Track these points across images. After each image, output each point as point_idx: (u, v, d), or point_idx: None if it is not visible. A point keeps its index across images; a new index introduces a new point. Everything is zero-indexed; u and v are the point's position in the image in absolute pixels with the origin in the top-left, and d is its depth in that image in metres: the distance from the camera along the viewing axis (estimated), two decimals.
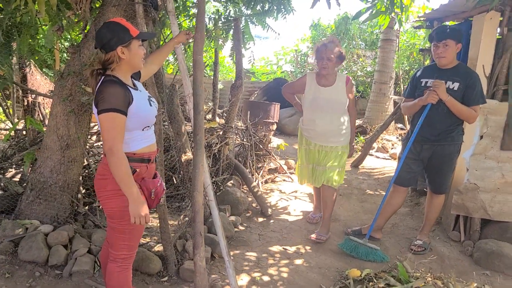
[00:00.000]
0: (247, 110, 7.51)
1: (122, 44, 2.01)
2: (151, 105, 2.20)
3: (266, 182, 5.43)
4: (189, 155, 3.75)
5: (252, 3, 5.26)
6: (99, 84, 2.03)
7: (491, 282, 3.23)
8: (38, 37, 3.01)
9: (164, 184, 2.39)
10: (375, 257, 3.42)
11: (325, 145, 3.68)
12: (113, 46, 2.00)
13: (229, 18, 5.35)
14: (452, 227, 3.99)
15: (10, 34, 3.01)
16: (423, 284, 2.57)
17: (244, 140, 5.65)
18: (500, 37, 3.83)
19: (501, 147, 3.69)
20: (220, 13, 5.48)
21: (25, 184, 3.61)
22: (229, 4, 5.61)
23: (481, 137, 3.72)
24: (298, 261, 3.39)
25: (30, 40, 3.07)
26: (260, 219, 4.23)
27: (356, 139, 7.82)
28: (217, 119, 7.11)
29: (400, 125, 8.74)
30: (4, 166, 4.07)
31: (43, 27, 3.17)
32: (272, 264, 3.33)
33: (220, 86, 9.78)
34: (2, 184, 3.69)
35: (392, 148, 7.51)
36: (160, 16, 3.32)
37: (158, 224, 3.05)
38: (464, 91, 3.26)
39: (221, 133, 4.98)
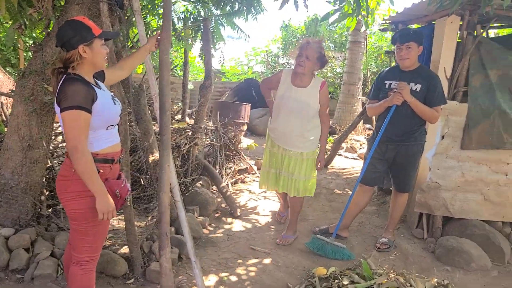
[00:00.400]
0: (217, 111, 7.50)
1: (84, 42, 1.98)
2: (115, 103, 2.18)
3: (235, 182, 5.43)
4: (156, 155, 3.72)
5: (222, 4, 5.26)
6: (60, 82, 1.99)
7: (451, 278, 3.33)
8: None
9: (129, 184, 2.37)
10: (341, 256, 3.48)
11: (289, 149, 3.55)
12: (74, 44, 1.97)
13: (198, 18, 5.34)
14: (416, 225, 4.11)
15: None
16: (385, 280, 2.63)
17: (214, 140, 5.64)
18: (460, 40, 3.96)
19: (461, 146, 3.82)
20: (189, 13, 5.46)
21: None
22: (198, 4, 5.60)
23: (443, 137, 3.84)
24: (266, 261, 3.42)
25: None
26: (229, 220, 4.24)
27: None
28: (187, 119, 7.09)
29: (368, 126, 8.91)
30: None
31: (5, 25, 3.09)
32: (240, 264, 3.34)
33: (190, 86, 9.71)
34: None
35: (360, 148, 7.66)
36: (127, 15, 3.28)
37: (124, 226, 3.01)
38: (426, 93, 3.37)
39: (190, 133, 4.95)
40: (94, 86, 2.04)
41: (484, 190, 3.88)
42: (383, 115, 3.54)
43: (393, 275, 2.73)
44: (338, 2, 4.91)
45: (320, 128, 3.58)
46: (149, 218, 3.90)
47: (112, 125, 2.17)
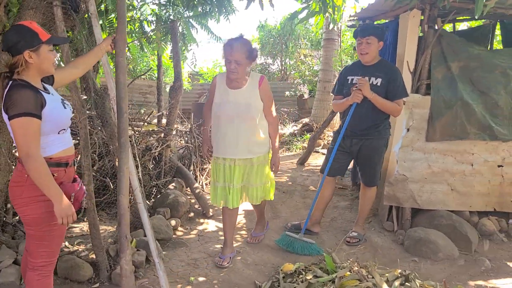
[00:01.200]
0: (195, 112, 7.48)
1: (30, 48, 1.96)
2: (65, 107, 2.17)
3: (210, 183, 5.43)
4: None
5: (192, 5, 5.26)
6: (7, 88, 1.97)
7: (418, 268, 3.39)
8: None
9: (85, 188, 2.35)
10: (310, 251, 3.50)
11: (238, 158, 3.17)
12: (20, 49, 1.95)
13: (168, 20, 5.33)
14: (386, 218, 4.15)
15: None
16: (348, 273, 2.66)
17: (189, 142, 5.63)
18: (422, 34, 4.02)
19: (426, 138, 3.88)
20: (158, 16, 5.44)
21: None
22: (168, 6, 5.58)
23: (408, 130, 3.89)
24: (236, 259, 3.42)
25: None
26: (201, 220, 4.24)
27: (301, 137, 7.97)
28: (163, 122, 7.06)
29: None
30: None
31: None
32: (210, 264, 3.34)
33: (167, 89, 9.68)
34: None
35: None
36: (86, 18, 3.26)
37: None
38: (387, 86, 3.42)
39: (162, 135, 4.94)
40: (42, 91, 2.02)
41: (450, 181, 3.94)
42: (347, 110, 3.58)
43: (356, 268, 2.76)
44: (305, 0, 4.96)
45: (267, 129, 3.27)
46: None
47: (64, 129, 2.16)
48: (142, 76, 10.57)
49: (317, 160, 6.98)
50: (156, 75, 10.84)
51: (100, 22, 4.31)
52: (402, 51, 4.12)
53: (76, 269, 2.89)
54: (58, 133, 2.11)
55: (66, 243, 3.41)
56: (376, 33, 3.41)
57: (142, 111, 9.06)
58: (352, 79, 3.57)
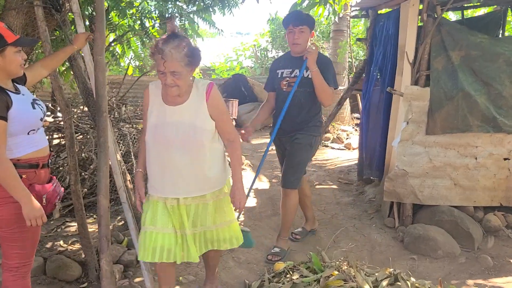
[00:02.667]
0: None
1: None
2: (34, 108, 2.15)
3: None
4: (117, 156, 3.70)
5: (192, 0, 5.22)
6: None
7: (416, 266, 3.28)
8: None
9: (61, 189, 2.34)
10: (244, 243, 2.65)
11: (191, 197, 2.31)
12: None
13: (168, 16, 5.30)
14: (388, 214, 4.04)
15: None
16: (336, 273, 2.58)
17: None
18: (422, 24, 3.87)
19: (426, 131, 3.74)
20: (160, 12, 5.41)
21: None
22: (170, 2, 5.55)
23: (407, 123, 3.76)
24: (228, 258, 3.38)
25: None
26: None
27: None
28: None
29: (356, 115, 8.80)
30: None
31: None
32: (200, 262, 3.29)
33: None
34: None
35: (347, 138, 7.57)
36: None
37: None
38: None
39: None
40: (9, 92, 2.01)
41: (453, 175, 3.80)
42: (279, 106, 3.30)
43: (345, 267, 2.68)
44: None
45: (223, 154, 2.42)
46: (116, 220, 3.90)
47: (34, 130, 2.14)
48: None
49: (325, 154, 6.87)
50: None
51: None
52: (403, 41, 4.00)
53: (64, 269, 2.90)
54: (28, 133, 2.10)
55: (61, 242, 3.44)
56: (309, 22, 3.18)
57: None
58: (282, 72, 3.30)
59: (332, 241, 3.68)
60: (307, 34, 3.18)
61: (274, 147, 3.67)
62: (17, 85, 2.14)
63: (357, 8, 5.13)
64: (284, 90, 3.27)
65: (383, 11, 4.94)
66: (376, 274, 2.61)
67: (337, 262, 2.76)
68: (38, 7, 2.71)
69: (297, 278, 2.62)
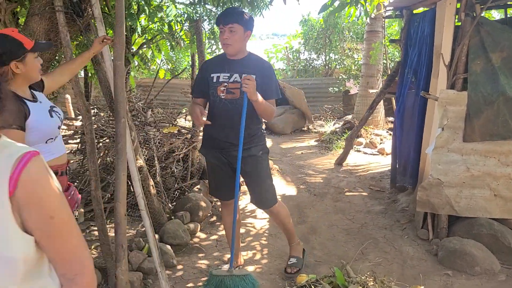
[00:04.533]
0: None
1: (16, 59, 1.92)
2: (52, 116, 2.12)
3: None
4: (140, 161, 3.67)
5: (222, 3, 5.18)
6: None
7: (451, 283, 3.06)
8: None
9: (79, 196, 2.31)
10: (244, 287, 2.85)
11: None
12: (6, 61, 1.91)
13: (196, 19, 5.27)
14: (421, 225, 3.82)
15: None
16: None
17: None
18: (460, 24, 3.63)
19: (464, 138, 3.49)
20: (188, 15, 5.40)
21: None
22: (198, 6, 5.53)
23: (442, 129, 3.53)
24: (250, 268, 3.27)
25: None
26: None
27: (342, 136, 7.65)
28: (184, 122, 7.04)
29: (391, 119, 8.49)
30: None
31: None
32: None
33: None
34: None
35: (380, 143, 7.30)
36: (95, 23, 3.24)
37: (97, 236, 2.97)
38: (260, 85, 2.72)
39: (189, 137, 4.89)
40: (27, 101, 2.00)
41: (493, 185, 3.53)
42: (218, 115, 2.84)
43: (372, 283, 2.52)
44: None
45: None
46: (140, 226, 3.87)
47: (52, 138, 2.12)
48: (184, 76, 10.67)
49: (357, 160, 6.65)
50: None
51: (130, 24, 4.35)
52: (439, 42, 3.77)
53: None
54: (46, 142, 2.08)
55: None
56: (241, 20, 2.70)
57: (184, 110, 9.18)
58: (218, 77, 2.80)
59: (360, 252, 3.51)
60: (240, 34, 2.70)
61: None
62: (34, 92, 2.13)
63: (391, 8, 4.92)
64: (222, 97, 2.77)
65: (418, 10, 4.71)
66: None
67: (363, 278, 2.60)
68: (59, 13, 2.71)
69: None
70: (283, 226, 3.19)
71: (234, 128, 2.74)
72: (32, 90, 2.13)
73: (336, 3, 4.86)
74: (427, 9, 4.46)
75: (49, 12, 2.86)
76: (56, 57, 3.39)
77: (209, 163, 3.05)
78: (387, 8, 5.09)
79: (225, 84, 2.77)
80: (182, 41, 5.53)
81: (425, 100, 4.07)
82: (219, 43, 5.84)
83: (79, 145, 4.78)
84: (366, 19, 4.71)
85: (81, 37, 3.37)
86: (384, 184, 5.36)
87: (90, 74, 5.72)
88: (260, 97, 2.67)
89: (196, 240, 3.74)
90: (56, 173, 2.11)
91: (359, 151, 7.16)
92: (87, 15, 3.00)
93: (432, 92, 3.79)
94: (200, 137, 5.18)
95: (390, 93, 5.30)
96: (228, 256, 3.41)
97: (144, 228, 3.78)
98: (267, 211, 3.11)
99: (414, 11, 4.79)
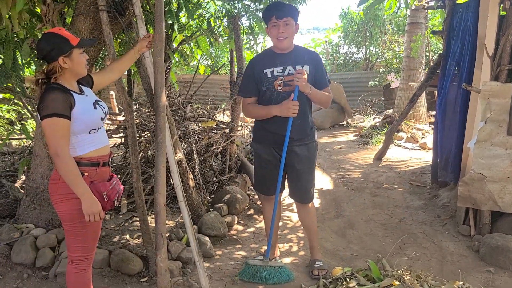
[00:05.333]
0: None
1: (63, 54, 2.06)
2: (96, 108, 2.24)
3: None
4: (179, 155, 3.78)
5: None
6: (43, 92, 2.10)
7: (492, 280, 2.97)
8: (16, 51, 3.16)
9: (121, 187, 2.42)
10: (279, 279, 2.93)
11: None
12: (54, 57, 2.05)
13: (234, 15, 5.33)
14: (463, 221, 3.72)
15: None
16: (396, 283, 2.41)
17: None
18: (505, 13, 3.50)
19: (508, 132, 3.37)
20: (227, 11, 5.47)
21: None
22: (235, 2, 5.59)
23: (485, 122, 3.42)
24: (287, 259, 3.31)
25: (18, 53, 3.23)
26: (261, 218, 4.17)
27: (382, 130, 7.52)
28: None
29: (433, 112, 8.24)
30: (14, 173, 4.34)
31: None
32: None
33: None
34: (7, 190, 3.93)
35: (422, 138, 7.12)
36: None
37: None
38: (314, 74, 2.83)
39: (226, 131, 4.97)
40: (73, 93, 2.12)
41: None
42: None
43: (408, 277, 2.49)
44: None
45: None
46: (180, 217, 4.00)
47: (95, 129, 2.23)
48: (223, 71, 10.80)
49: (397, 154, 6.53)
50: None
51: (170, 22, 4.47)
52: (483, 33, 3.65)
53: (126, 263, 3.01)
54: (89, 132, 2.19)
55: (127, 236, 3.58)
56: (294, 14, 2.75)
57: (223, 106, 9.30)
58: (272, 72, 2.80)
59: (398, 247, 3.47)
60: (293, 27, 2.76)
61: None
62: (82, 87, 2.27)
63: None
64: (279, 90, 2.80)
65: (461, 0, 4.56)
66: (443, 287, 2.40)
67: (399, 272, 2.58)
68: (103, 12, 2.83)
69: (354, 286, 2.49)
70: (311, 224, 3.15)
71: (293, 123, 2.78)
72: (80, 85, 2.27)
73: None
74: None
75: (93, 12, 3.00)
76: (100, 55, 3.54)
77: (260, 157, 3.05)
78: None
79: (281, 77, 2.79)
80: (220, 37, 5.60)
81: (467, 93, 3.95)
82: (257, 38, 5.93)
83: (122, 140, 4.97)
84: (407, 10, 4.58)
85: (123, 35, 3.50)
86: (425, 179, 5.24)
87: (133, 72, 5.92)
88: (313, 89, 2.73)
89: (233, 232, 3.82)
90: (98, 164, 2.23)
91: (399, 145, 7.03)
92: (128, 13, 3.11)
93: (476, 85, 3.67)
94: (239, 132, 5.30)
95: (431, 86, 5.16)
96: (265, 247, 3.46)
97: (183, 220, 3.93)
98: (303, 205, 3.11)
99: (457, 1, 4.64)
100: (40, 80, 2.14)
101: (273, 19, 2.73)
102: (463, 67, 4.13)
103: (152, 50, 2.75)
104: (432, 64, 7.32)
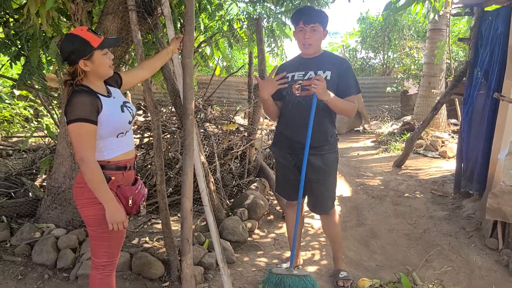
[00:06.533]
0: None
1: (83, 57, 1.98)
2: (123, 111, 2.18)
3: None
4: (201, 158, 3.73)
5: (282, 1, 5.18)
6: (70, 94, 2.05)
7: None
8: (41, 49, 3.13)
9: (145, 190, 2.37)
10: (304, 286, 2.82)
11: None
12: (75, 59, 1.98)
13: (256, 17, 5.29)
14: (490, 234, 3.62)
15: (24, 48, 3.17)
16: None
17: None
18: None
19: None
20: (248, 13, 5.43)
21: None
22: (257, 4, 5.54)
23: None
24: (311, 268, 3.23)
25: (41, 51, 3.21)
26: (281, 223, 4.11)
27: (401, 137, 7.41)
28: (262, 120, 7.01)
29: (453, 120, 8.12)
30: (34, 172, 4.32)
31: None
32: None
33: None
34: (27, 188, 3.91)
35: (442, 146, 7.00)
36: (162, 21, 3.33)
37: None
38: (337, 81, 2.69)
39: (246, 134, 4.91)
40: (100, 96, 2.05)
41: None
42: (293, 114, 2.79)
43: None
44: None
45: None
46: (199, 221, 3.95)
47: (122, 133, 2.17)
48: (239, 74, 10.76)
49: (417, 162, 6.42)
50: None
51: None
52: None
53: (148, 267, 2.96)
54: (117, 136, 2.13)
55: (147, 239, 3.54)
56: (322, 20, 2.66)
57: (238, 108, 9.26)
58: (293, 76, 2.75)
59: (425, 260, 3.38)
60: (320, 33, 2.67)
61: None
62: (109, 87, 2.19)
63: (460, 5, 4.68)
64: (297, 94, 2.72)
65: (490, 7, 4.46)
66: None
67: (430, 286, 2.50)
68: (132, 11, 2.79)
69: None
70: (334, 234, 3.01)
71: (307, 127, 2.66)
72: (108, 86, 2.20)
73: (402, 1, 4.69)
74: (501, 6, 4.21)
75: (121, 11, 2.97)
76: (127, 55, 3.51)
77: (277, 161, 3.01)
78: (456, 5, 4.84)
79: (300, 81, 2.71)
80: (241, 40, 5.56)
81: (496, 103, 3.85)
82: (278, 41, 5.88)
83: (140, 140, 4.94)
84: (434, 16, 4.49)
85: (150, 35, 3.47)
86: (446, 189, 5.13)
87: None
88: (332, 96, 2.56)
89: (254, 237, 3.75)
90: (124, 168, 2.16)
91: (419, 153, 6.92)
92: (156, 13, 3.07)
93: (505, 94, 3.58)
94: (258, 135, 5.24)
95: (456, 94, 5.06)
96: (287, 255, 3.40)
97: (204, 223, 3.88)
98: (323, 216, 2.99)
99: (486, 8, 4.54)
100: (67, 81, 2.09)
101: (301, 24, 2.65)
102: (492, 76, 4.03)
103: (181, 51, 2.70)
104: (453, 71, 7.21)
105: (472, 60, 4.55)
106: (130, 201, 2.15)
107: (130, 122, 2.21)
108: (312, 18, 2.62)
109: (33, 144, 6.39)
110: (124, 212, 2.06)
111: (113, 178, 2.09)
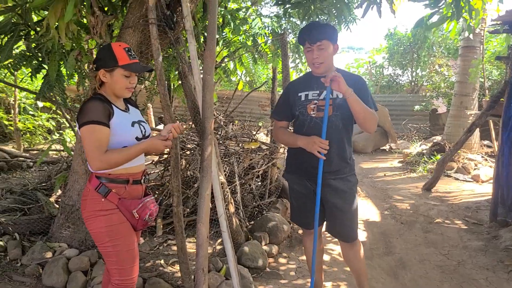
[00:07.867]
0: None
1: (105, 67, 2.02)
2: (133, 126, 2.09)
3: None
4: (221, 178, 3.56)
5: (308, 16, 5.03)
6: None
7: None
8: (61, 62, 3.04)
9: (156, 207, 2.22)
10: None
11: None
12: (98, 67, 2.03)
13: (281, 32, 5.16)
14: None
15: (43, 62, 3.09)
16: None
17: None
18: None
19: None
20: (273, 28, 5.30)
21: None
22: (282, 19, 5.42)
23: None
24: None
25: (62, 63, 3.12)
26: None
27: (430, 158, 7.09)
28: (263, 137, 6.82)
29: (486, 142, 7.75)
30: (50, 187, 4.23)
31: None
32: None
33: None
34: (42, 205, 3.81)
35: (475, 169, 6.65)
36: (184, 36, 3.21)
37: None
38: None
39: (268, 153, 4.73)
40: (115, 107, 2.04)
41: None
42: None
43: None
44: (433, 4, 4.31)
45: None
46: (216, 244, 3.76)
47: (127, 147, 2.07)
48: (261, 89, 10.63)
49: (447, 186, 6.09)
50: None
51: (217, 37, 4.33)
52: None
53: None
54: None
55: (162, 261, 3.37)
56: (331, 35, 2.43)
57: (260, 124, 9.11)
58: (307, 95, 2.53)
59: None
60: (330, 50, 2.44)
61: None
62: (131, 106, 2.20)
63: (498, 22, 4.43)
64: (313, 115, 2.50)
65: None
66: None
67: None
68: (152, 25, 2.68)
69: None
70: (357, 267, 2.71)
71: (329, 151, 2.43)
72: (130, 104, 2.18)
73: (435, 18, 4.47)
74: None
75: (142, 25, 2.86)
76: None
77: (292, 190, 2.72)
78: (492, 23, 4.59)
79: (315, 101, 2.49)
80: (265, 54, 5.43)
81: None
82: (303, 57, 5.72)
83: (160, 156, 4.81)
84: (469, 34, 4.23)
85: (170, 49, 3.35)
86: (481, 216, 4.81)
87: (173, 86, 5.81)
88: (353, 93, 2.33)
89: (274, 264, 3.54)
90: (127, 181, 2.08)
91: (449, 176, 6.59)
92: (178, 28, 2.95)
93: None
94: (280, 154, 5.05)
95: (492, 115, 4.76)
96: (308, 284, 3.17)
97: (221, 246, 3.69)
98: (345, 245, 2.68)
99: None
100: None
101: (307, 44, 2.46)
102: None
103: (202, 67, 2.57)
104: (486, 91, 6.89)
105: (511, 80, 4.27)
106: (135, 215, 2.07)
107: (138, 139, 2.09)
108: (318, 35, 2.40)
109: (54, 156, 6.36)
110: (158, 139, 2.03)
111: (113, 190, 2.04)
